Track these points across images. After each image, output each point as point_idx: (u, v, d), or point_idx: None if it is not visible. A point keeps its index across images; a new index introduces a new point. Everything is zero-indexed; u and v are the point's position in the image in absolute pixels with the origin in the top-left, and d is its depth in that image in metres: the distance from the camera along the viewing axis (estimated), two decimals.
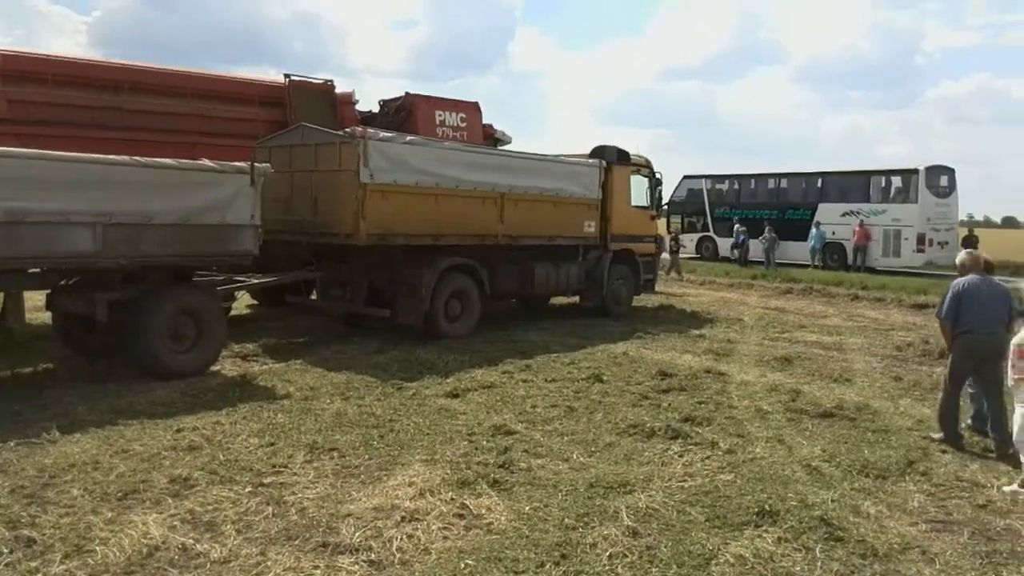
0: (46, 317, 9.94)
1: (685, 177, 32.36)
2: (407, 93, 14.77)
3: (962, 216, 30.82)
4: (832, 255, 26.66)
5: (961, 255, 7.63)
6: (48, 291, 9.04)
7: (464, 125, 14.94)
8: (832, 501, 5.55)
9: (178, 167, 8.66)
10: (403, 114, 14.02)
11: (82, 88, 11.22)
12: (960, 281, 7.21)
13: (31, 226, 7.59)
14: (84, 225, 7.91)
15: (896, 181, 26.77)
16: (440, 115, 14.76)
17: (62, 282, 8.82)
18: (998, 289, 7.26)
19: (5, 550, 4.47)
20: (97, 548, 4.55)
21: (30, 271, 8.35)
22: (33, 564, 4.34)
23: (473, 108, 15.59)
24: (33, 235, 7.63)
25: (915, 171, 25.65)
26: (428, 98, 14.96)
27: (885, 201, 26.54)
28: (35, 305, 9.96)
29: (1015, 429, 6.32)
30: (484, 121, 16.03)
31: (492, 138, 16.43)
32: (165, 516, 5.02)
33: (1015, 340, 6.35)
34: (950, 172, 26.49)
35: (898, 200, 26.21)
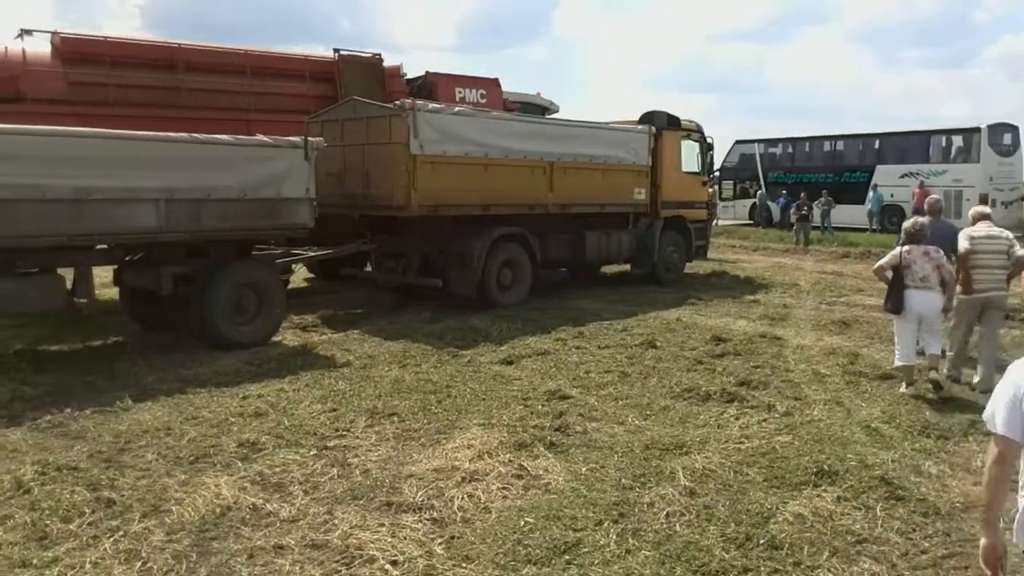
0: (114, 292, 10.31)
1: (737, 142, 31.80)
2: (427, 72, 14.83)
3: None
4: (891, 218, 26.00)
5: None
6: (115, 267, 9.36)
7: (484, 101, 14.93)
8: (892, 461, 5.51)
9: (235, 143, 8.87)
10: (424, 92, 14.06)
11: (140, 68, 11.50)
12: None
13: (97, 203, 7.88)
14: (147, 201, 8.17)
15: (957, 140, 25.91)
16: (460, 92, 14.80)
17: (128, 258, 9.14)
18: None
19: (87, 511, 4.70)
20: (173, 508, 4.77)
21: (97, 247, 8.67)
22: (114, 523, 4.57)
23: (492, 84, 15.58)
24: (99, 212, 7.92)
25: (977, 129, 24.81)
26: (448, 76, 15.02)
27: (946, 161, 25.73)
28: (103, 281, 10.32)
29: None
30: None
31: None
32: (236, 478, 5.22)
33: None
34: (1014, 130, 25.53)
35: (959, 160, 25.38)
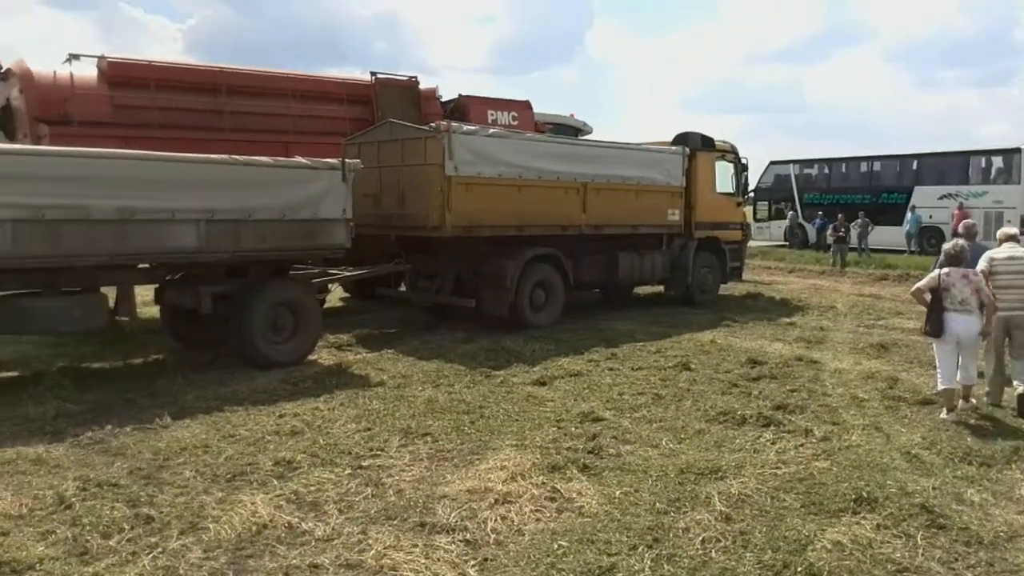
0: (154, 311, 10.50)
1: (772, 163, 31.59)
2: (460, 95, 15.00)
3: None
4: (929, 239, 25.60)
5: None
6: (156, 286, 9.54)
7: (516, 123, 15.04)
8: (933, 488, 5.40)
9: (274, 165, 9.03)
10: (457, 115, 14.20)
11: (183, 92, 11.80)
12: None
13: (140, 223, 8.06)
14: (189, 222, 8.34)
15: (997, 161, 25.50)
16: (492, 114, 14.96)
17: (169, 277, 9.32)
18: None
19: (127, 527, 4.77)
20: (210, 525, 4.82)
21: (139, 267, 8.85)
22: (152, 540, 4.63)
23: (524, 106, 15.71)
24: (142, 232, 8.09)
25: (1018, 150, 24.42)
26: (480, 98, 15.17)
27: (985, 182, 25.33)
28: (144, 300, 10.53)
29: None
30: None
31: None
32: (271, 496, 5.27)
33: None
34: None
35: (999, 181, 24.98)
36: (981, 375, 7.78)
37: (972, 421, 7.11)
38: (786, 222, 30.11)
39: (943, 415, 7.21)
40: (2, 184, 7.23)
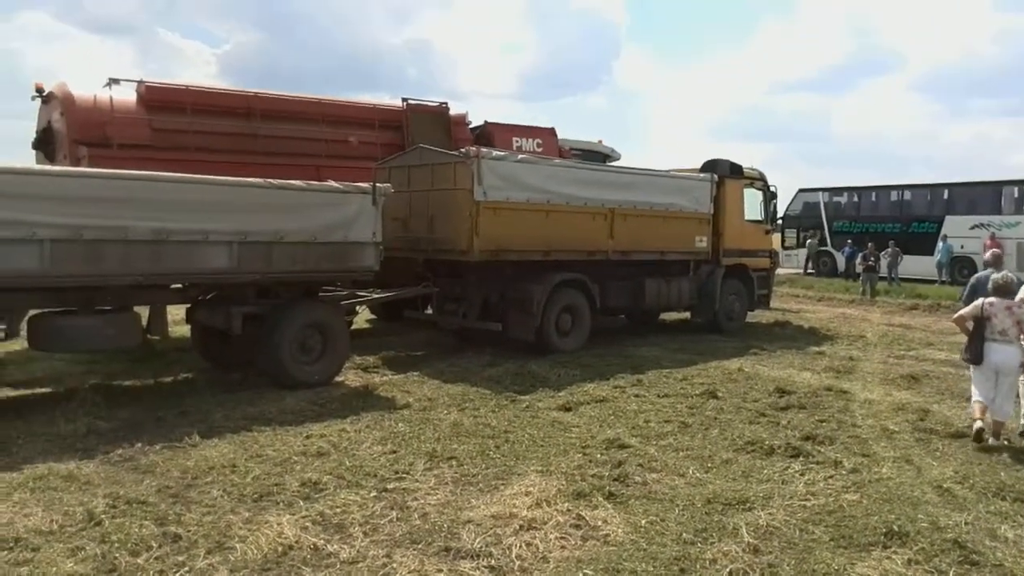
0: (185, 330, 10.63)
1: (800, 190, 31.42)
2: (485, 122, 15.11)
3: None
4: (961, 269, 25.25)
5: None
6: (188, 305, 9.68)
7: (540, 150, 15.09)
8: (966, 524, 5.31)
9: (307, 188, 9.15)
10: (482, 141, 14.29)
11: (218, 116, 11.99)
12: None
13: (174, 244, 8.19)
14: (222, 243, 8.47)
15: None
16: (517, 141, 15.03)
17: (200, 297, 9.44)
18: None
19: (155, 545, 4.81)
20: (237, 545, 4.86)
21: (172, 287, 8.99)
22: (180, 559, 4.67)
23: (549, 133, 15.78)
24: (175, 253, 8.23)
25: None
26: (505, 125, 15.28)
27: (1018, 212, 25.00)
28: (176, 319, 10.68)
29: None
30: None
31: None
32: (297, 517, 5.30)
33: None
34: None
35: None
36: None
37: (1006, 456, 6.97)
38: (806, 250, 29.88)
39: (976, 424, 7.28)
40: (42, 204, 7.39)
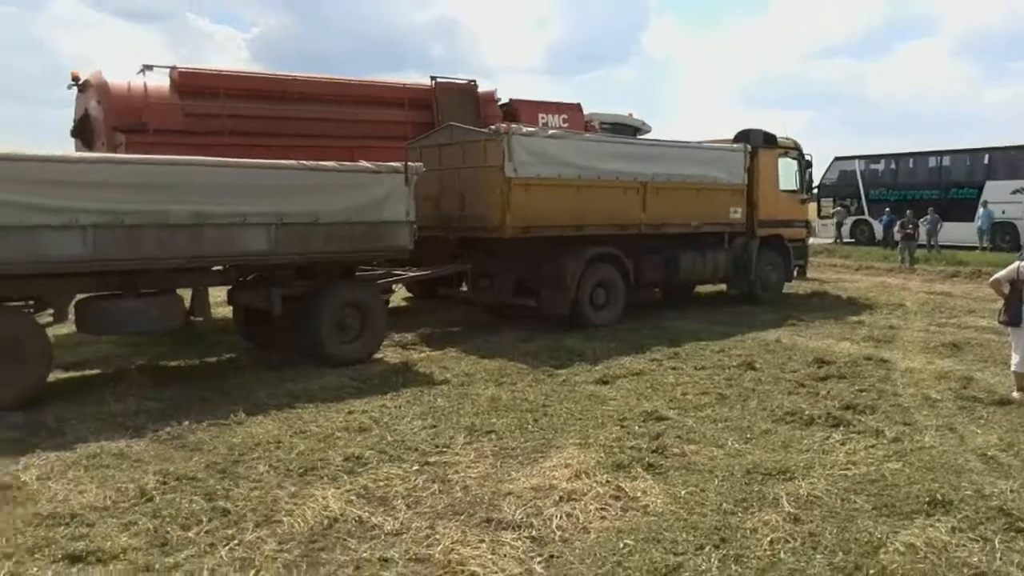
0: (227, 311, 10.83)
1: (836, 159, 30.85)
2: (511, 99, 15.00)
3: None
4: (1003, 235, 24.70)
5: None
6: (229, 287, 9.84)
7: (566, 126, 14.96)
8: (1012, 491, 5.23)
9: (340, 169, 9.23)
10: (507, 119, 14.23)
11: (251, 99, 12.08)
12: None
13: (213, 227, 8.33)
14: (260, 226, 8.59)
15: None
16: (543, 117, 14.91)
17: (241, 279, 9.60)
18: None
19: (204, 519, 4.94)
20: (284, 519, 4.97)
21: (213, 269, 9.15)
22: (229, 532, 4.79)
23: (575, 109, 15.63)
24: (215, 236, 8.36)
25: None
26: (530, 102, 15.16)
27: None
28: (218, 301, 10.86)
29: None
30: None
31: None
32: (342, 491, 5.40)
33: None
34: None
35: None
36: None
37: None
38: (834, 219, 29.38)
39: (1015, 394, 7.55)
40: (84, 191, 7.56)
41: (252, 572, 4.32)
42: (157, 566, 4.34)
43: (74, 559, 4.41)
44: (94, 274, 8.04)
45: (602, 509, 5.12)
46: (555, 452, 6.22)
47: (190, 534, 4.74)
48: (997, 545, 4.50)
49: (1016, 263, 7.81)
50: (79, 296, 8.37)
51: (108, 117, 11.34)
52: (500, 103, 14.92)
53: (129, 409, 7.40)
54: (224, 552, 4.51)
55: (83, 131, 12.12)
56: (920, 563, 4.32)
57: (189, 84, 11.78)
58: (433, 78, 14.03)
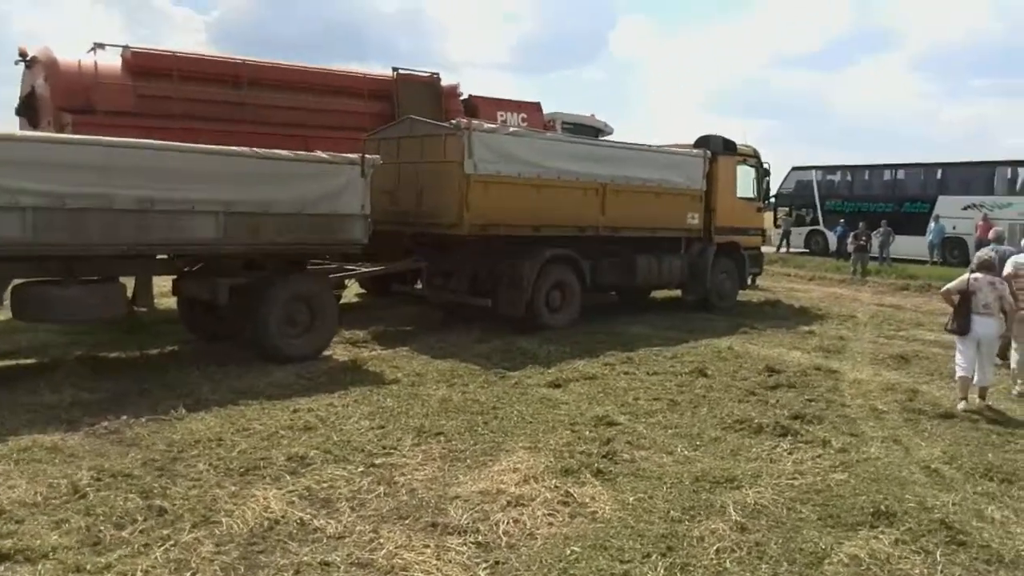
0: (172, 302, 10.52)
1: (794, 168, 31.32)
2: (470, 96, 14.91)
3: None
4: (952, 250, 25.31)
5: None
6: (174, 277, 9.56)
7: (525, 124, 14.94)
8: (953, 504, 5.33)
9: (294, 159, 9.01)
10: (466, 115, 14.15)
11: (205, 83, 11.77)
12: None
13: (159, 214, 8.06)
14: (207, 213, 8.33)
15: (1023, 173, 25.15)
16: (502, 115, 14.89)
17: (187, 268, 9.33)
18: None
19: (140, 518, 4.77)
20: (222, 519, 4.82)
21: (158, 257, 8.87)
22: (165, 532, 4.63)
23: (534, 108, 15.63)
24: (161, 223, 8.10)
25: None
26: (489, 99, 15.11)
27: (1011, 194, 24.94)
28: (162, 291, 10.57)
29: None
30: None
31: None
32: (284, 492, 5.26)
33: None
34: None
35: None
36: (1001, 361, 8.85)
37: (994, 436, 7.00)
38: (782, 228, 29.76)
39: (960, 406, 7.79)
40: (24, 171, 7.25)
41: (188, 574, 4.19)
42: (88, 566, 4.18)
43: (1, 558, 4.22)
44: (33, 259, 7.75)
45: (550, 515, 5.06)
46: (504, 456, 6.14)
47: (124, 533, 4.57)
48: (939, 558, 4.57)
49: (967, 275, 8.17)
50: (16, 281, 8.04)
51: (55, 96, 10.95)
52: (462, 98, 14.80)
53: (64, 401, 7.16)
54: (159, 553, 4.36)
55: (28, 109, 11.70)
56: (863, 574, 4.36)
57: (142, 65, 11.43)
58: (395, 69, 13.85)
